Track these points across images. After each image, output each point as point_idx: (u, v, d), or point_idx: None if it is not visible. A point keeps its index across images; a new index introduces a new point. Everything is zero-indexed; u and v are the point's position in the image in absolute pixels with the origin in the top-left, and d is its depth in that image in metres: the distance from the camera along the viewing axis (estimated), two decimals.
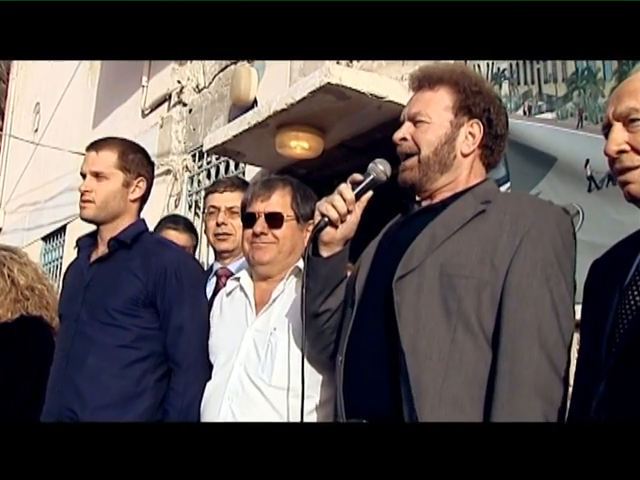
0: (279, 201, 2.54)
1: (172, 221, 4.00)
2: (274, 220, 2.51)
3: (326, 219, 2.05)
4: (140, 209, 2.96)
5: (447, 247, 1.96)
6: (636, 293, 1.73)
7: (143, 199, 2.96)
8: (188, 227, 4.00)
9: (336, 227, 2.07)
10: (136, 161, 2.92)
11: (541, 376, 1.84)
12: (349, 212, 2.07)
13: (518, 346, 1.86)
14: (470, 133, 2.11)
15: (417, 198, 2.17)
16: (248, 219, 2.55)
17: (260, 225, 2.50)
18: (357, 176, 2.10)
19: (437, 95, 2.13)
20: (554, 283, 1.92)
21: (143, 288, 2.73)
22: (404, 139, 2.13)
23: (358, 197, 2.08)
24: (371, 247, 2.19)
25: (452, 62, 2.26)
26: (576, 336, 1.96)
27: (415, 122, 2.13)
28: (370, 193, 2.10)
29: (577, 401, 1.84)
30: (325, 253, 2.10)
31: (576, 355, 1.90)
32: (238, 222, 3.15)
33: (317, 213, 2.08)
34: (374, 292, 2.04)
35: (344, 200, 2.05)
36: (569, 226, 2.03)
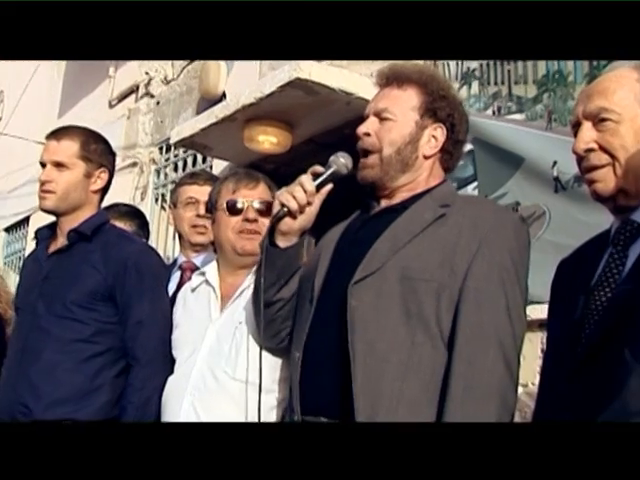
0: (266, 190, 2.54)
1: (110, 209, 3.89)
2: (264, 210, 2.49)
3: (285, 209, 2.05)
4: (101, 200, 2.91)
5: (408, 251, 1.97)
6: (602, 293, 1.74)
7: (104, 190, 2.91)
8: (129, 214, 3.88)
9: (295, 218, 2.07)
10: (98, 151, 2.86)
11: (496, 378, 1.86)
12: (309, 203, 2.07)
13: (474, 348, 1.87)
14: (433, 136, 2.13)
15: (376, 196, 2.16)
16: (234, 207, 2.51)
17: (252, 213, 2.49)
18: (318, 168, 2.10)
19: (405, 94, 2.14)
20: (509, 288, 1.94)
21: (102, 281, 2.68)
22: (367, 134, 2.13)
23: (318, 189, 2.08)
24: (329, 242, 2.17)
25: (421, 63, 2.25)
26: (542, 335, 1.96)
27: (380, 118, 2.13)
28: (330, 185, 2.10)
29: (542, 400, 1.85)
30: (282, 243, 2.10)
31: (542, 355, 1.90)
32: None
33: (277, 203, 2.07)
34: (333, 292, 2.03)
35: (304, 191, 2.05)
36: (525, 233, 2.06)
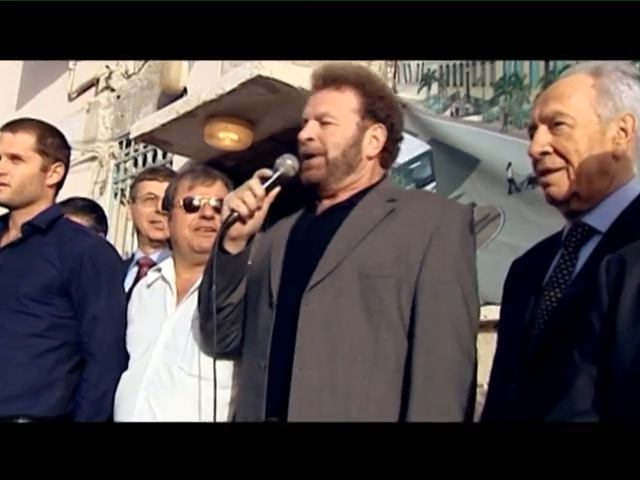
0: (222, 188, 2.51)
1: (67, 204, 3.83)
2: (221, 207, 2.42)
3: (236, 214, 2.02)
4: (56, 194, 2.86)
5: (363, 248, 1.99)
6: (552, 294, 1.76)
7: (59, 185, 2.86)
8: (85, 208, 3.81)
9: (244, 223, 2.04)
10: (55, 145, 2.81)
11: (455, 366, 1.90)
12: (258, 208, 2.04)
13: (433, 338, 1.91)
14: (374, 137, 2.15)
15: (318, 195, 2.17)
16: (191, 205, 2.48)
17: (209, 210, 2.46)
18: (266, 171, 2.07)
19: (344, 96, 2.14)
20: (463, 277, 1.99)
21: (58, 275, 2.63)
22: (311, 139, 2.12)
23: (267, 192, 2.06)
24: (277, 243, 2.15)
25: (356, 63, 2.26)
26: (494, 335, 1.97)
27: (322, 122, 2.12)
28: (278, 189, 2.08)
29: (492, 399, 1.86)
30: (231, 249, 2.07)
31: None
32: None
33: (226, 208, 2.04)
34: (292, 297, 2.01)
35: (254, 196, 2.02)
36: (472, 221, 2.10)
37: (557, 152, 1.78)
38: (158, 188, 3.24)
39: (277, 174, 2.06)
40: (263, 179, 2.06)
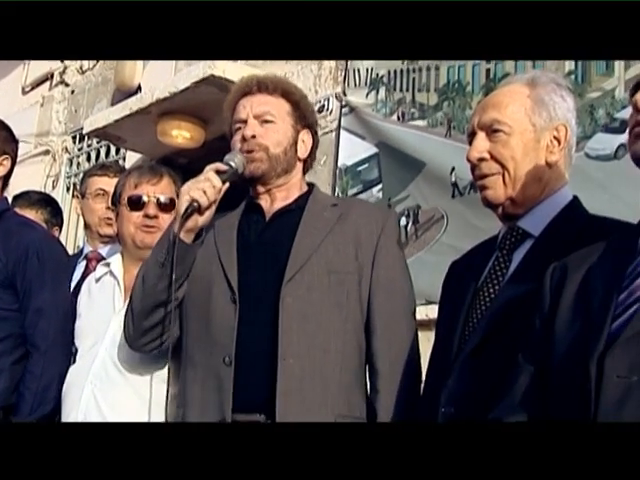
0: (168, 186, 2.49)
1: (21, 197, 3.74)
2: (165, 205, 2.45)
3: (196, 204, 2.00)
4: (4, 187, 2.81)
5: (327, 247, 2.06)
6: (486, 294, 1.78)
7: (6, 178, 2.80)
8: (40, 202, 3.74)
9: (202, 214, 2.03)
10: (1, 138, 2.76)
11: (412, 355, 2.04)
12: (214, 201, 2.05)
13: (392, 330, 2.04)
14: (303, 140, 2.21)
15: (255, 194, 2.19)
16: (135, 202, 2.46)
17: (152, 208, 2.44)
18: (220, 165, 2.07)
19: (278, 101, 2.19)
20: (406, 274, 2.14)
21: (3, 268, 2.59)
22: (253, 136, 2.13)
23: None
24: (221, 242, 2.14)
25: (279, 75, 2.36)
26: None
27: (262, 121, 2.15)
28: (227, 184, 2.08)
29: (428, 394, 1.88)
30: (188, 240, 2.06)
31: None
32: None
33: (186, 198, 2.01)
34: (261, 293, 2.03)
35: (213, 187, 2.02)
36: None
37: (494, 158, 1.80)
38: (108, 184, 3.20)
39: (233, 168, 2.07)
40: (218, 172, 2.05)
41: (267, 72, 2.42)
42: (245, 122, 2.15)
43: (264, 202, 2.18)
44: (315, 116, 2.30)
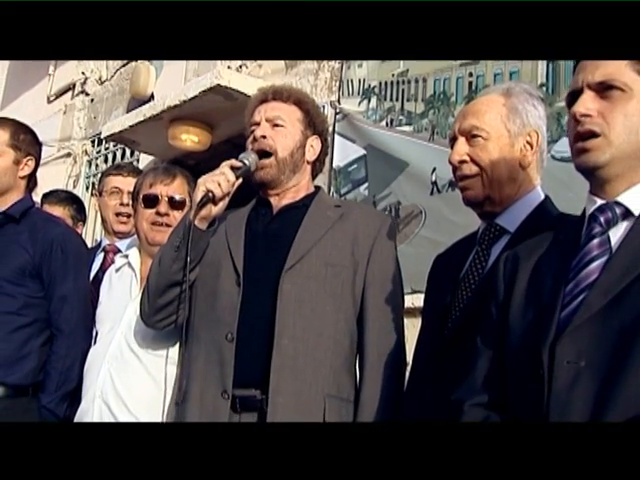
0: (181, 187, 2.47)
1: (51, 195, 3.80)
2: (175, 203, 2.44)
3: (211, 195, 2.00)
4: (27, 186, 2.82)
5: (326, 241, 2.05)
6: (467, 285, 1.78)
7: (31, 177, 2.82)
8: (67, 200, 3.79)
9: (216, 204, 2.03)
10: (27, 141, 2.78)
11: (399, 346, 2.02)
12: (227, 194, 2.04)
13: (382, 322, 2.01)
14: (312, 145, 2.21)
15: (267, 194, 2.18)
16: (150, 200, 2.45)
17: (164, 206, 2.42)
18: (236, 162, 2.07)
19: (290, 108, 2.18)
20: (398, 273, 2.11)
21: (30, 260, 2.61)
22: (264, 137, 2.13)
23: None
24: (231, 232, 2.14)
25: (295, 86, 2.30)
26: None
27: (273, 124, 2.15)
28: (240, 180, 2.08)
29: (413, 377, 1.88)
30: (202, 227, 2.05)
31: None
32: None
33: (202, 189, 2.01)
34: (263, 279, 2.02)
35: (228, 181, 2.02)
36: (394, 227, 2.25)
37: (473, 161, 1.80)
38: (122, 182, 3.22)
39: (246, 166, 2.07)
40: (234, 169, 2.05)
41: (271, 83, 2.41)
42: (258, 124, 2.15)
43: (273, 199, 2.17)
44: (326, 125, 2.28)
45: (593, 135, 1.36)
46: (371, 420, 1.90)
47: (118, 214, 3.21)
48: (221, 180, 2.01)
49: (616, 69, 1.36)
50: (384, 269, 2.06)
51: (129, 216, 3.12)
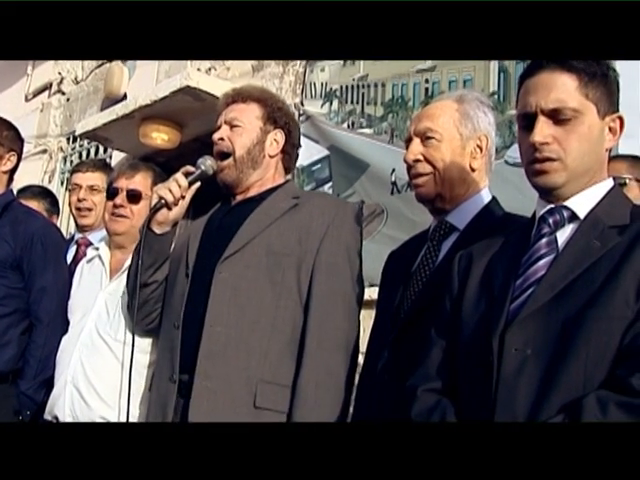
0: (141, 181, 2.44)
1: (25, 190, 3.75)
2: (134, 196, 2.42)
3: (163, 201, 2.01)
4: (10, 180, 2.77)
5: (271, 231, 2.00)
6: (418, 279, 1.79)
7: (13, 171, 2.77)
8: (42, 194, 3.75)
9: (170, 209, 2.03)
10: (9, 137, 2.73)
11: (344, 335, 1.93)
12: (182, 197, 2.04)
13: (326, 309, 1.93)
14: (275, 139, 2.17)
15: (233, 194, 2.17)
16: (111, 193, 2.44)
17: (120, 198, 2.41)
18: (190, 167, 2.08)
19: (249, 107, 2.16)
20: (353, 261, 2.02)
21: (11, 252, 2.57)
22: (222, 139, 2.13)
23: (190, 185, 2.06)
24: (196, 229, 2.14)
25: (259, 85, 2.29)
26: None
27: (231, 126, 2.13)
28: (198, 183, 2.07)
29: (368, 363, 1.87)
30: (158, 231, 2.05)
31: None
32: (97, 198, 3.11)
33: (155, 195, 2.03)
34: (205, 268, 2.00)
35: (179, 186, 2.02)
36: (361, 217, 2.13)
37: (427, 160, 1.81)
38: (81, 178, 3.18)
39: (199, 171, 2.06)
40: (187, 174, 2.05)
41: (238, 84, 2.40)
42: (219, 128, 2.14)
43: (240, 197, 2.15)
44: (289, 117, 2.21)
45: (550, 159, 1.39)
46: (305, 406, 1.83)
47: (78, 209, 3.17)
48: (172, 186, 2.01)
49: (567, 94, 1.39)
50: (332, 256, 1.97)
51: (90, 209, 3.12)
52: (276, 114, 2.16)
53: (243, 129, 2.12)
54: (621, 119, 1.43)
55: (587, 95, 1.39)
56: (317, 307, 1.92)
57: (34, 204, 3.47)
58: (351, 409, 1.91)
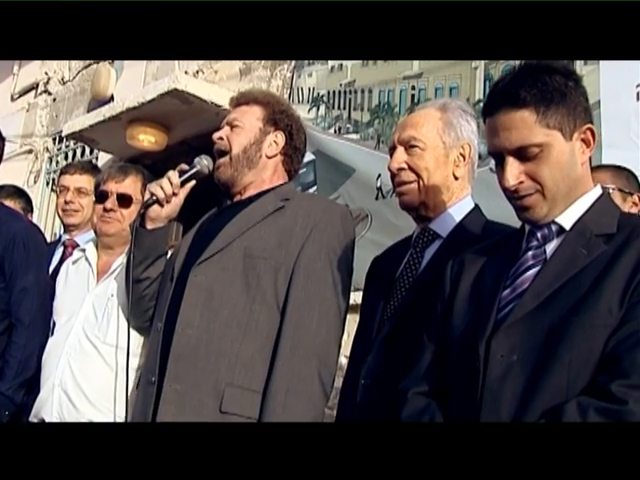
0: (131, 185, 2.44)
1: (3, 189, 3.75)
2: (124, 200, 2.41)
3: (154, 197, 2.02)
4: None
5: (251, 234, 1.96)
6: (402, 284, 1.80)
7: None
8: (16, 193, 3.74)
9: (162, 206, 2.03)
10: None
11: (319, 342, 1.86)
12: (174, 194, 2.04)
13: (302, 315, 1.87)
14: (274, 141, 2.14)
15: (230, 194, 2.15)
16: (101, 196, 2.43)
17: (111, 202, 2.40)
18: (184, 166, 2.08)
19: (251, 109, 2.16)
20: (335, 266, 1.94)
21: None
22: (220, 138, 2.13)
23: (183, 184, 2.06)
24: (190, 234, 2.15)
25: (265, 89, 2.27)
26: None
27: (232, 126, 2.14)
28: (193, 182, 2.08)
29: (351, 368, 1.88)
30: (150, 227, 2.06)
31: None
32: (85, 201, 3.11)
33: (147, 192, 2.04)
34: (186, 271, 2.00)
35: (171, 184, 2.03)
36: (350, 222, 2.08)
37: (411, 168, 1.81)
38: (68, 180, 3.18)
39: (193, 170, 2.07)
40: (181, 172, 2.06)
41: (225, 89, 2.41)
42: (222, 128, 2.16)
43: (236, 198, 2.14)
44: (292, 120, 2.17)
45: (528, 194, 1.40)
46: (274, 412, 1.77)
47: (64, 210, 3.17)
48: (163, 183, 2.02)
49: (528, 131, 1.36)
50: (312, 261, 1.91)
51: (76, 210, 3.12)
52: (277, 116, 2.14)
53: (242, 129, 2.11)
54: (591, 130, 1.41)
55: (548, 125, 1.36)
56: (293, 312, 1.87)
57: (10, 203, 3.47)
58: (333, 413, 1.92)
